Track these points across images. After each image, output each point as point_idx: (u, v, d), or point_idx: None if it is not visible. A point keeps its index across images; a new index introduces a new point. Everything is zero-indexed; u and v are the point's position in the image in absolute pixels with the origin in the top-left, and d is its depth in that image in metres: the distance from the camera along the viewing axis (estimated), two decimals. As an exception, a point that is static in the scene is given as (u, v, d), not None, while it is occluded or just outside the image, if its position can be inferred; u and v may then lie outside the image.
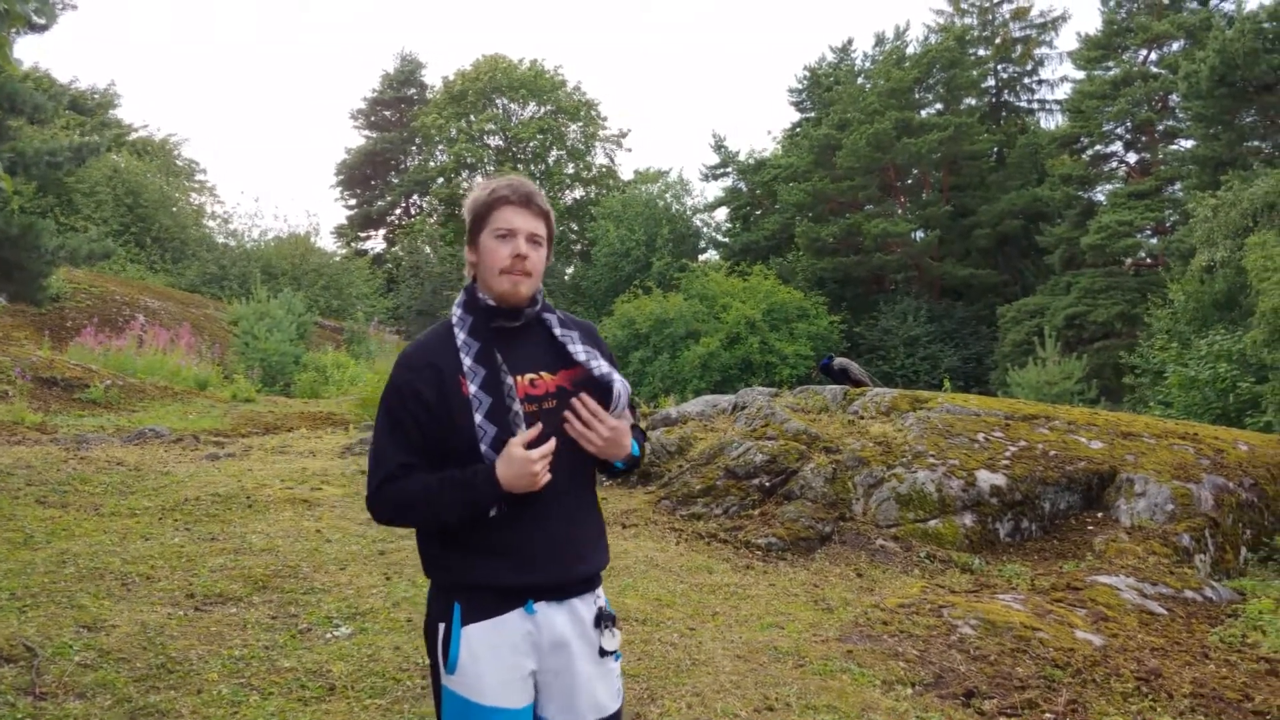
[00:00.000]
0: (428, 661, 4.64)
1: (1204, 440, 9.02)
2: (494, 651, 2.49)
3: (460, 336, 2.58)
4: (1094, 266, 34.57)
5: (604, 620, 2.61)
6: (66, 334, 19.10)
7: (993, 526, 7.74)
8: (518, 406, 2.51)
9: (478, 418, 2.49)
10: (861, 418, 9.36)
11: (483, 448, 2.48)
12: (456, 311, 2.64)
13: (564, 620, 2.55)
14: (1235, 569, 7.67)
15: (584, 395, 2.53)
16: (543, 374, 2.59)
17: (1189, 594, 6.64)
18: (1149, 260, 35.79)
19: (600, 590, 2.67)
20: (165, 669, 4.40)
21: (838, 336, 36.98)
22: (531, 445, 2.45)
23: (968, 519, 7.70)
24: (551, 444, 2.48)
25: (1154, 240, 35.33)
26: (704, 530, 7.75)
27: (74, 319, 20.32)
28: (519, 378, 2.55)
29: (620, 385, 2.58)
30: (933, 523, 7.67)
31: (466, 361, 2.53)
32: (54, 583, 5.42)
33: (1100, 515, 8.02)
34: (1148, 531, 7.56)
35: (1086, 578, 6.73)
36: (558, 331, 2.64)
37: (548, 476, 2.47)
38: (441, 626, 2.54)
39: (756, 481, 8.27)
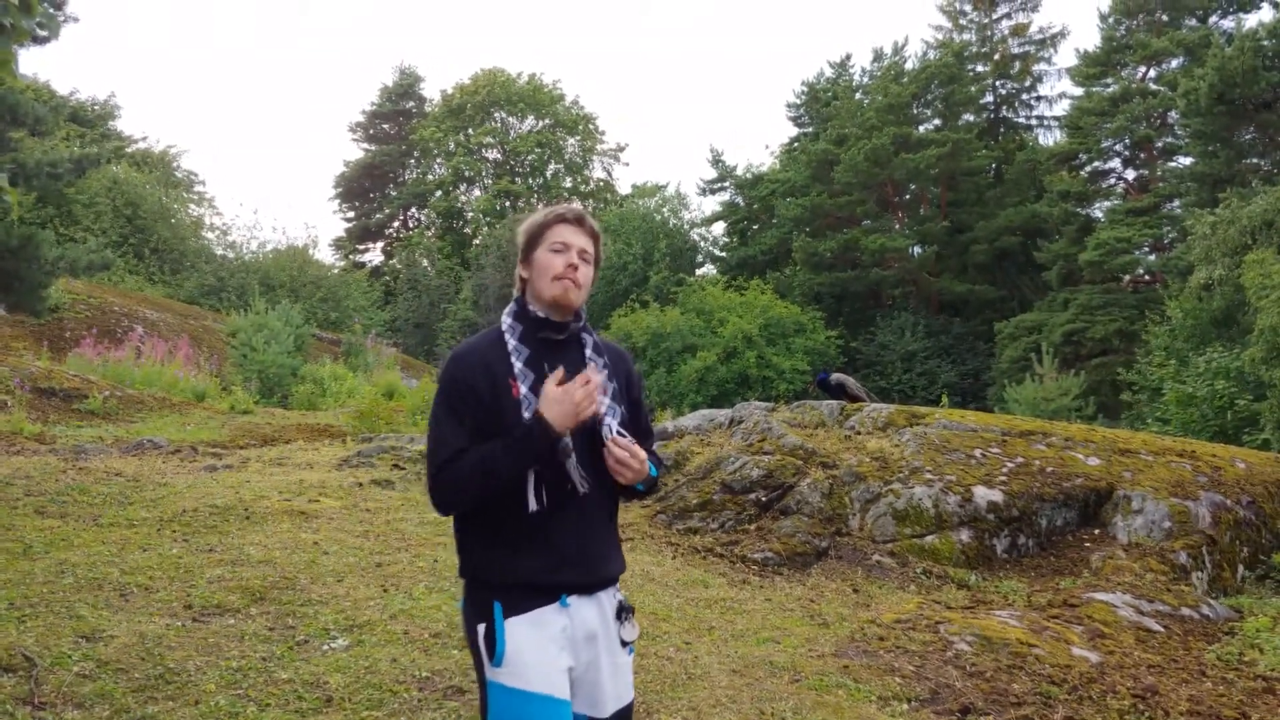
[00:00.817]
0: (425, 674, 4.65)
1: (1202, 458, 9.04)
2: (537, 643, 2.65)
3: (511, 342, 2.77)
4: (1092, 283, 34.63)
5: (624, 612, 2.80)
6: (65, 345, 19.11)
7: (989, 543, 7.75)
8: None
9: (526, 415, 2.66)
10: (858, 433, 9.38)
11: None
12: (507, 320, 2.83)
13: (593, 613, 2.74)
14: (1233, 587, 7.67)
15: (622, 434, 2.73)
16: None
17: (1186, 611, 6.65)
18: (1147, 277, 35.87)
19: (618, 589, 2.86)
20: (163, 679, 4.41)
21: (835, 351, 36.99)
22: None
23: (964, 535, 7.71)
24: (593, 375, 2.68)
25: (1152, 257, 35.40)
26: (700, 545, 7.76)
27: (73, 330, 20.32)
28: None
29: (609, 433, 2.73)
30: (929, 538, 7.68)
31: (518, 365, 2.73)
32: (53, 593, 5.42)
33: (1097, 532, 8.03)
34: (1145, 549, 7.57)
35: (1083, 594, 6.74)
36: (588, 353, 2.85)
37: (593, 406, 2.66)
38: (482, 626, 2.68)
39: (753, 496, 8.28)
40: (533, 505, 2.66)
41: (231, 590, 5.73)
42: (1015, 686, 5.14)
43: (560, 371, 2.68)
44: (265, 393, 19.13)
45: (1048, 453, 8.79)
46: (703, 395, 32.91)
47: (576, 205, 2.96)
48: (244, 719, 4.15)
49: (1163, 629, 6.34)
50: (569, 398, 2.61)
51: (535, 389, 2.69)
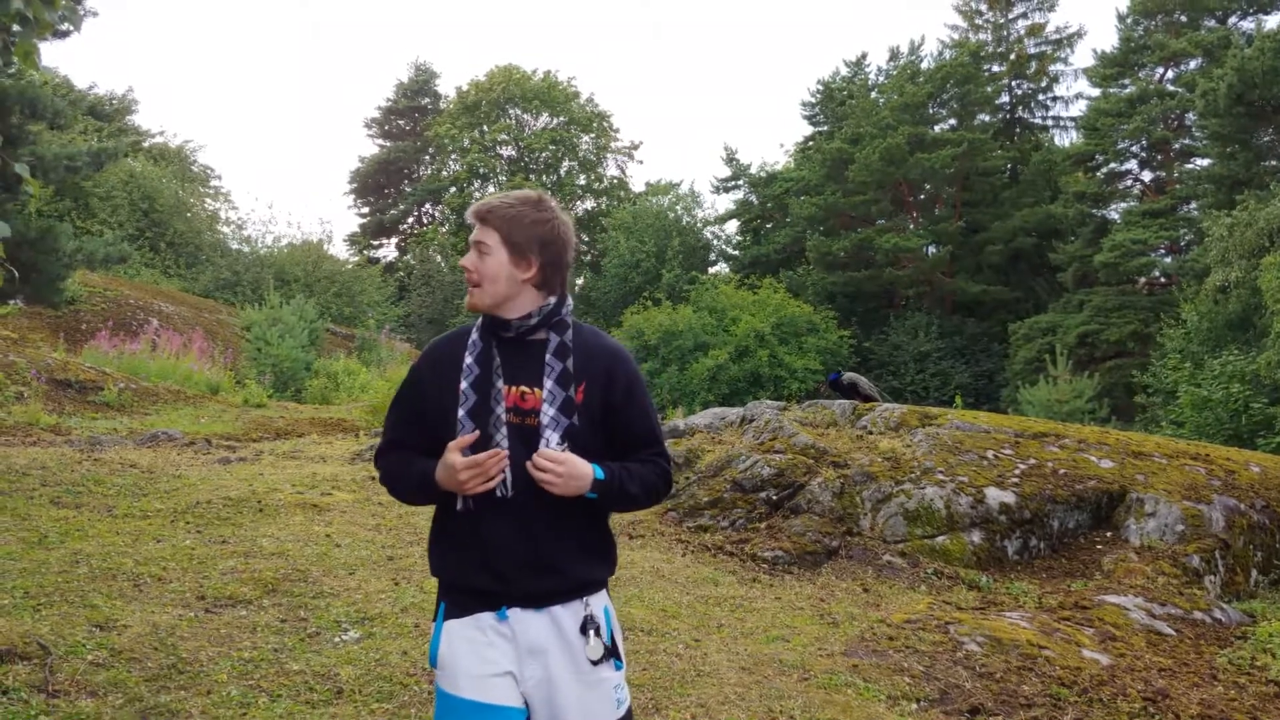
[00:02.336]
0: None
1: (1216, 461, 9.01)
2: (468, 645, 2.58)
3: (472, 336, 2.70)
4: (1107, 285, 34.50)
5: (590, 626, 2.62)
6: (81, 337, 19.21)
7: (1001, 544, 7.74)
8: (500, 411, 2.60)
9: (460, 412, 2.60)
10: (870, 433, 9.37)
11: None
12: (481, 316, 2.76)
13: (541, 627, 2.60)
14: (1245, 591, 7.65)
15: (541, 451, 2.55)
16: (535, 389, 2.63)
17: (1198, 615, 6.64)
18: (1163, 279, 35.72)
19: (592, 598, 2.67)
20: (176, 669, 4.44)
21: (847, 351, 36.95)
22: (477, 448, 2.55)
23: (976, 536, 7.70)
24: (482, 456, 2.53)
25: (1168, 259, 35.26)
26: (710, 542, 7.77)
27: (89, 322, 20.42)
28: (511, 387, 2.64)
29: (546, 441, 2.58)
30: (940, 539, 7.68)
31: (467, 359, 2.66)
32: (67, 582, 5.46)
33: (1109, 535, 8.01)
34: (1157, 552, 7.55)
35: (1095, 597, 6.73)
36: (546, 356, 2.66)
37: (481, 487, 2.54)
38: (435, 626, 2.69)
39: (764, 495, 8.29)
40: (459, 504, 2.61)
41: (244, 582, 5.76)
42: (1025, 688, 5.14)
43: (472, 437, 2.56)
44: (279, 386, 19.20)
45: (1060, 455, 8.78)
46: (714, 393, 32.91)
47: (484, 201, 2.76)
48: (255, 710, 4.17)
49: (1174, 632, 6.32)
50: (452, 473, 2.54)
51: (475, 384, 2.62)
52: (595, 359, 2.71)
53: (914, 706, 4.84)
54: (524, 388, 2.63)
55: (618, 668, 2.67)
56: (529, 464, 2.54)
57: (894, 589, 7.04)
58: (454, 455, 2.54)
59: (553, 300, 2.69)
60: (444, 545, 2.69)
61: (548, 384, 2.62)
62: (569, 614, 2.62)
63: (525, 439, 2.59)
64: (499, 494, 2.57)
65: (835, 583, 7.11)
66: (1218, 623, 6.64)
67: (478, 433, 2.58)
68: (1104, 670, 5.48)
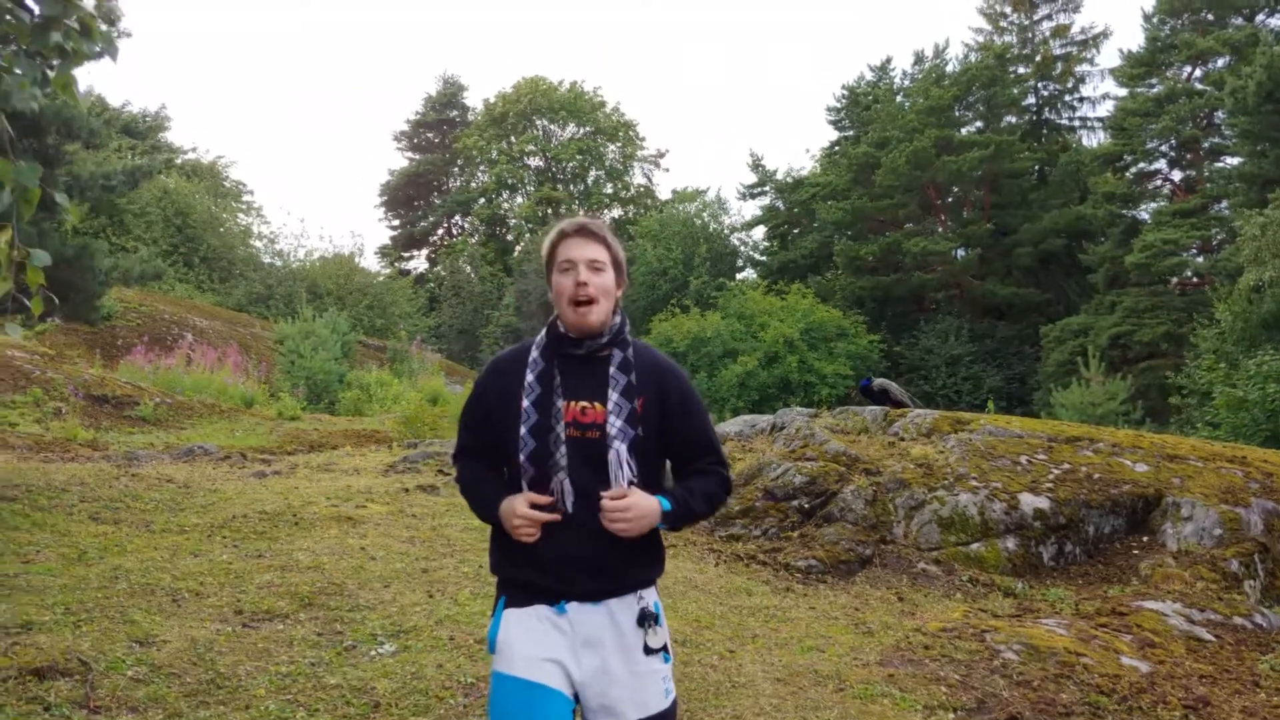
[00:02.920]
0: (470, 680, 4.70)
1: (1253, 463, 8.92)
2: (525, 631, 2.72)
3: (533, 354, 2.83)
4: (1139, 285, 34.19)
5: (646, 619, 2.76)
6: (117, 352, 19.41)
7: (1036, 550, 7.70)
8: (560, 429, 2.72)
9: (522, 430, 2.73)
10: (902, 439, 9.35)
11: (520, 457, 2.73)
12: (542, 332, 2.88)
13: (599, 620, 2.73)
14: (1285, 595, 7.57)
15: (609, 496, 2.69)
16: (596, 404, 2.76)
17: (1238, 620, 6.57)
18: (1195, 279, 35.37)
19: (647, 592, 2.81)
20: (214, 684, 4.47)
21: (877, 356, 36.77)
22: (538, 461, 2.72)
23: (1010, 542, 7.66)
24: (544, 516, 2.70)
25: (1200, 259, 34.91)
26: (743, 552, 7.76)
27: (125, 337, 20.64)
28: (572, 403, 2.75)
29: (615, 457, 2.71)
30: (975, 546, 7.64)
31: (529, 378, 2.78)
32: (107, 598, 5.51)
33: (1146, 539, 7.95)
34: (1195, 556, 7.48)
35: (1132, 603, 6.68)
36: (611, 370, 2.79)
37: (532, 536, 2.72)
38: (494, 615, 2.82)
39: (796, 503, 8.27)
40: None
41: (281, 596, 5.80)
42: (1063, 696, 5.11)
43: (542, 499, 2.71)
44: (312, 399, 19.34)
45: (1094, 459, 8.72)
46: (744, 400, 32.84)
47: (579, 216, 2.95)
48: (295, 724, 4.21)
49: (1214, 638, 6.27)
50: (510, 519, 2.73)
51: (537, 403, 2.74)
52: (652, 375, 2.85)
53: (951, 716, 4.82)
54: (584, 403, 2.75)
55: (666, 660, 2.79)
56: (602, 505, 2.68)
57: (929, 597, 7.01)
58: (520, 505, 2.71)
59: (618, 319, 2.86)
60: (505, 549, 2.81)
61: (613, 396, 2.76)
62: (624, 608, 2.75)
63: (586, 452, 2.72)
64: (566, 509, 2.70)
65: (869, 591, 7.09)
66: (1259, 628, 6.57)
67: (551, 496, 2.71)
68: (1143, 678, 5.44)
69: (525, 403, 2.74)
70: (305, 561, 6.60)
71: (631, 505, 2.67)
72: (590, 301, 2.75)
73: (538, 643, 2.70)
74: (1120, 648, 5.86)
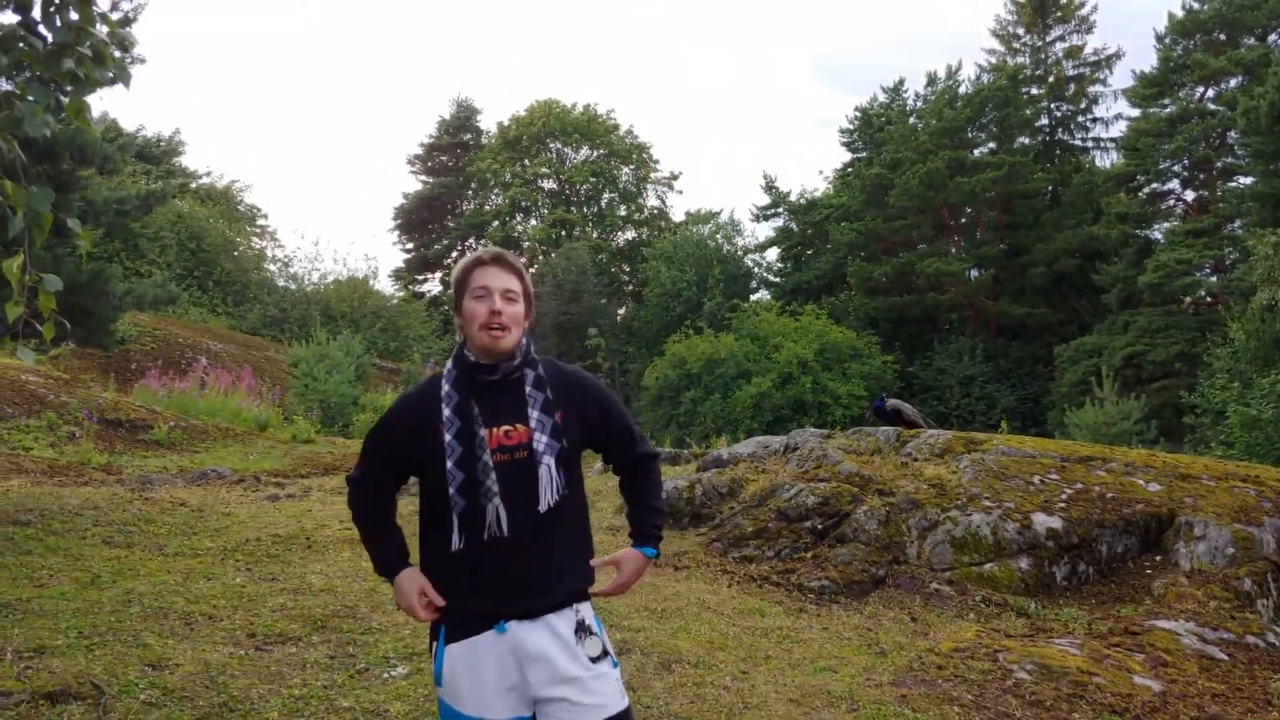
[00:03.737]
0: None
1: (1266, 482, 8.88)
2: (471, 666, 2.78)
3: (445, 388, 2.87)
4: (1152, 305, 34.16)
5: (582, 630, 2.84)
6: (131, 376, 19.51)
7: (1049, 570, 7.67)
8: (487, 457, 2.78)
9: (449, 464, 2.77)
10: (915, 460, 9.33)
11: (450, 490, 2.77)
12: (448, 365, 2.93)
13: (540, 636, 2.79)
14: (1299, 614, 7.52)
15: (607, 589, 3.00)
16: (518, 425, 2.83)
17: (1251, 639, 6.54)
18: (1208, 299, 35.30)
19: (580, 605, 2.90)
20: (227, 707, 4.49)
21: (891, 376, 36.75)
22: (468, 491, 2.78)
23: (1023, 562, 7.64)
24: (439, 601, 2.86)
25: (1213, 279, 34.85)
26: (756, 573, 7.75)
27: (139, 361, 20.75)
28: (494, 429, 2.82)
29: (546, 473, 2.80)
30: (988, 566, 7.62)
31: (445, 413, 2.82)
32: (120, 622, 5.54)
33: (1159, 559, 7.91)
34: (1208, 575, 7.45)
35: (1145, 622, 6.65)
36: (526, 389, 2.87)
37: (425, 617, 2.88)
38: (433, 645, 2.89)
39: (809, 524, 8.26)
40: (455, 544, 2.79)
41: (294, 619, 5.82)
42: (1076, 716, 5.09)
43: (437, 601, 2.86)
44: (327, 422, 19.38)
45: (1107, 479, 8.69)
46: (758, 421, 32.82)
47: (494, 247, 3.04)
48: (306, 746, 4.22)
49: (1227, 657, 6.24)
50: (404, 600, 2.92)
51: (459, 436, 2.78)
52: (565, 387, 2.94)
53: (963, 736, 4.81)
54: (506, 426, 2.82)
55: (614, 665, 2.88)
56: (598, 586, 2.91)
57: (942, 617, 6.99)
58: (408, 584, 2.92)
59: (525, 341, 2.94)
60: (438, 577, 2.86)
61: (534, 414, 2.83)
62: (563, 621, 2.82)
63: (516, 473, 2.78)
64: (494, 534, 2.77)
65: (882, 612, 7.07)
66: (1271, 647, 6.53)
67: (441, 604, 2.85)
68: (1156, 697, 5.42)
69: (447, 437, 2.79)
70: (318, 584, 6.62)
71: (629, 576, 3.00)
72: (503, 328, 2.83)
73: (484, 675, 2.77)
74: (1133, 667, 5.83)
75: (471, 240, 59.41)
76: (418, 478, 2.94)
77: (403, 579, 2.92)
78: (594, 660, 2.82)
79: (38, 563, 6.68)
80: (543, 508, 2.79)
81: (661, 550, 3.05)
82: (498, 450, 2.79)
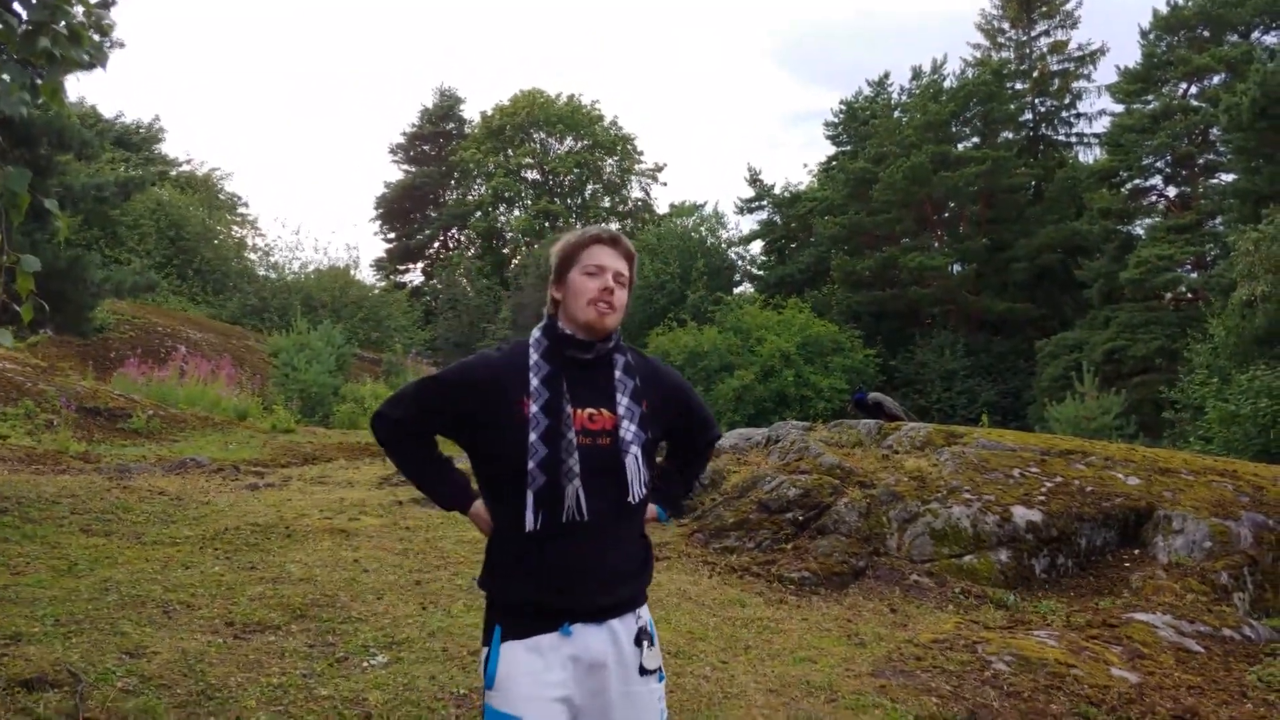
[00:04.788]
0: (462, 691, 4.70)
1: (1243, 477, 8.94)
2: (529, 669, 2.58)
3: (533, 357, 2.73)
4: (1133, 301, 34.28)
5: (644, 638, 2.70)
6: (110, 364, 19.40)
7: (1028, 563, 7.70)
8: (571, 435, 2.62)
9: (532, 436, 2.61)
10: (896, 452, 9.36)
11: (530, 464, 2.60)
12: (535, 334, 2.79)
13: (602, 641, 2.64)
14: (1275, 608, 7.57)
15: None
16: (603, 410, 2.72)
17: (1227, 632, 6.59)
18: (1189, 295, 35.44)
19: (643, 610, 2.76)
20: (205, 696, 4.47)
21: (873, 370, 36.79)
22: (549, 470, 2.63)
23: (1003, 555, 7.67)
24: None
25: (1194, 275, 34.97)
26: (737, 564, 7.76)
27: (117, 350, 20.63)
28: (579, 410, 2.68)
29: (633, 464, 2.70)
30: (968, 558, 7.65)
31: (534, 382, 2.67)
32: (97, 610, 5.51)
33: (1137, 552, 7.96)
34: (1185, 569, 7.50)
35: (1123, 615, 6.69)
36: (616, 374, 2.77)
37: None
38: (485, 649, 2.68)
39: (790, 516, 8.28)
40: (529, 525, 2.61)
41: (272, 607, 5.80)
42: (1053, 707, 5.11)
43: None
44: (307, 412, 19.32)
45: (1087, 472, 8.73)
46: (740, 414, 32.82)
47: (612, 227, 2.99)
48: (284, 735, 4.20)
49: (1203, 650, 6.28)
50: (480, 526, 2.82)
51: (546, 408, 2.64)
52: (653, 378, 2.87)
53: (941, 727, 4.82)
54: (591, 409, 2.69)
55: (660, 680, 2.74)
56: None
57: (921, 609, 7.01)
58: (483, 516, 2.81)
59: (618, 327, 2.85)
60: (509, 565, 2.69)
61: (624, 400, 2.73)
62: (624, 627, 2.68)
63: (596, 459, 2.65)
64: (572, 518, 2.62)
65: (862, 603, 7.09)
66: (1247, 640, 6.58)
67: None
68: (1132, 688, 5.45)
69: (533, 408, 2.64)
70: (298, 573, 6.60)
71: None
72: (612, 308, 2.75)
73: (542, 681, 2.58)
74: (1110, 659, 5.86)
75: (454, 230, 59.23)
76: (467, 446, 2.77)
77: (482, 511, 2.80)
78: (648, 673, 2.69)
79: (14, 550, 6.64)
80: (632, 499, 2.68)
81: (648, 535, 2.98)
82: (581, 432, 2.65)
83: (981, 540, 7.75)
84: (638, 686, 2.67)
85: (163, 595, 5.88)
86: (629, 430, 2.70)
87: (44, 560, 6.47)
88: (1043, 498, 8.19)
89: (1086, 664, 5.70)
